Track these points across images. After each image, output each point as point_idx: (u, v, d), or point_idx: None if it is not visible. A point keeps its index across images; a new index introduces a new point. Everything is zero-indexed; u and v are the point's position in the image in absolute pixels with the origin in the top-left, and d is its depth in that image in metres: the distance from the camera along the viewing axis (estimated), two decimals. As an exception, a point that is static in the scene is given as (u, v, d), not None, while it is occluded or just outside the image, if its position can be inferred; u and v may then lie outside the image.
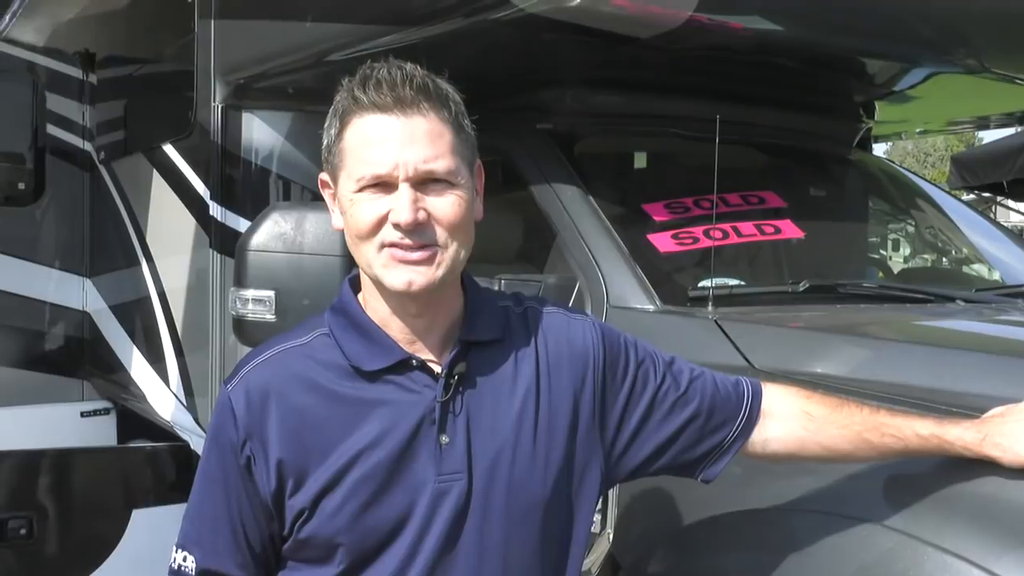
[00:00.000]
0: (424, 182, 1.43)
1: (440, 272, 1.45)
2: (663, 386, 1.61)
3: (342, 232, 1.54)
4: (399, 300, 1.48)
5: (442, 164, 1.44)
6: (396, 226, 1.42)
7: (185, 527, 1.56)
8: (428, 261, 1.44)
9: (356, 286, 1.58)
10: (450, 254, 1.46)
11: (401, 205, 1.41)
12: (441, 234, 1.45)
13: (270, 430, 1.47)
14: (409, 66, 1.45)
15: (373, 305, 1.52)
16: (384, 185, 1.42)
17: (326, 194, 1.56)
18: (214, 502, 1.52)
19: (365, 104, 1.43)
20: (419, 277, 1.44)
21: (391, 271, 1.44)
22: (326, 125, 1.51)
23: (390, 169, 1.41)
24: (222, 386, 1.54)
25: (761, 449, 1.66)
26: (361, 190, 1.43)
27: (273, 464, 1.46)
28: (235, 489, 1.50)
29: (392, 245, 1.43)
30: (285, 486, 1.47)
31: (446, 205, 1.45)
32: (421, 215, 1.42)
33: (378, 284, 1.48)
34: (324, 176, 1.55)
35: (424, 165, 1.42)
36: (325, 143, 1.51)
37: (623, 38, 2.50)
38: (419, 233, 1.43)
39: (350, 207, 1.45)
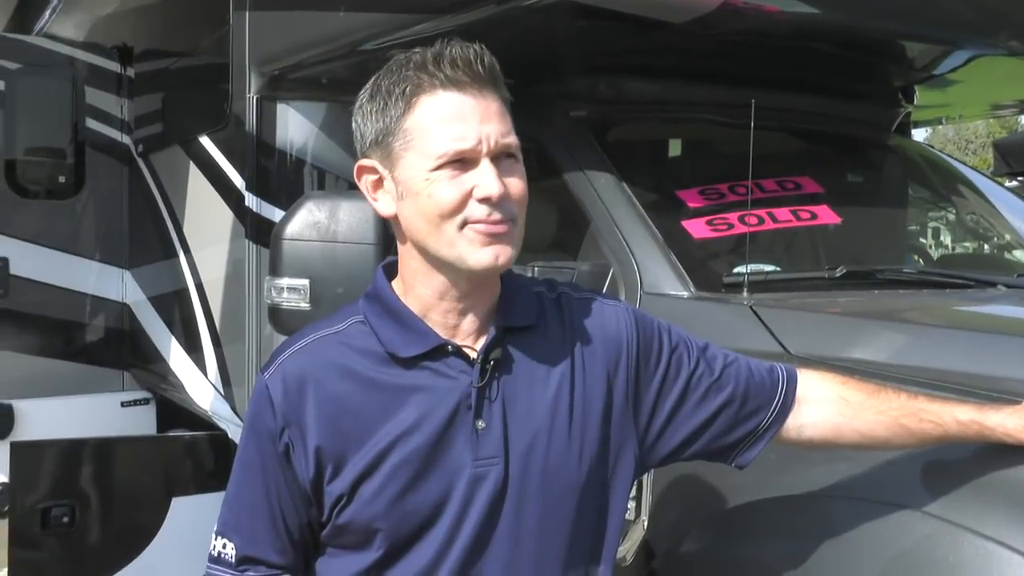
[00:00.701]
0: (497, 158, 1.43)
1: (515, 247, 1.47)
2: (697, 371, 1.60)
3: (376, 220, 1.54)
4: (455, 279, 1.48)
5: (512, 139, 1.46)
6: (485, 200, 1.41)
7: (224, 514, 1.57)
8: (507, 236, 1.45)
9: (390, 273, 1.58)
10: (519, 229, 1.47)
11: (488, 179, 1.41)
12: (515, 209, 1.46)
13: (308, 417, 1.47)
14: (476, 46, 1.45)
15: (418, 292, 1.51)
16: (463, 162, 1.42)
17: (366, 181, 1.53)
18: (253, 489, 1.53)
19: (441, 81, 1.42)
20: (503, 252, 1.44)
21: (478, 249, 1.43)
22: (373, 108, 1.48)
23: (474, 144, 1.41)
24: (259, 375, 1.55)
25: (796, 435, 1.64)
26: (439, 168, 1.42)
27: (311, 451, 1.47)
28: (274, 476, 1.51)
29: (478, 222, 1.42)
30: (324, 472, 1.48)
31: (517, 181, 1.46)
32: (504, 189, 1.43)
33: (449, 265, 1.46)
34: (369, 162, 1.51)
35: (503, 139, 1.44)
36: (380, 125, 1.47)
37: (657, 23, 2.48)
38: (502, 208, 1.43)
39: (426, 187, 1.43)
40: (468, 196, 1.42)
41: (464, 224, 1.43)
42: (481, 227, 1.42)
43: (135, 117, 4.77)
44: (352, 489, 1.46)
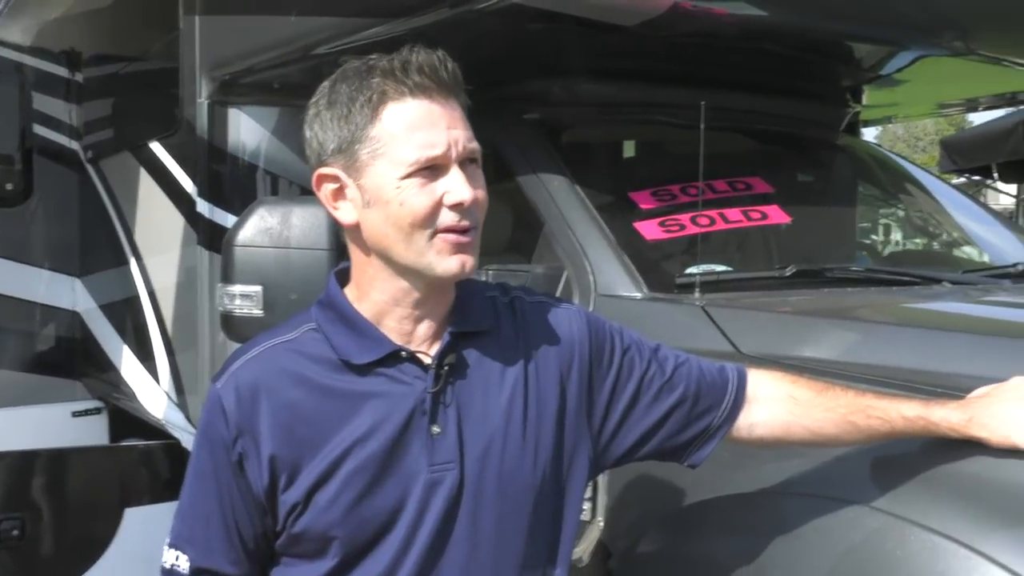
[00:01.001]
0: (463, 164, 1.44)
1: (478, 252, 1.48)
2: (649, 372, 1.62)
3: (329, 225, 1.53)
4: (417, 285, 1.48)
5: (476, 145, 1.47)
6: (456, 206, 1.42)
7: (177, 526, 1.56)
8: (473, 242, 1.47)
9: (342, 280, 1.57)
10: (480, 235, 1.49)
11: (459, 185, 1.42)
12: (479, 215, 1.47)
13: (262, 426, 1.47)
14: (440, 51, 1.46)
15: (374, 298, 1.51)
16: (432, 169, 1.42)
17: (328, 189, 1.50)
18: (206, 500, 1.52)
19: (410, 88, 1.42)
20: (469, 259, 1.46)
21: (446, 258, 1.44)
22: (339, 115, 1.46)
23: (444, 150, 1.42)
24: (211, 384, 1.53)
25: (747, 434, 1.66)
26: (409, 175, 1.42)
27: (266, 460, 1.46)
28: (227, 486, 1.50)
29: (449, 230, 1.43)
30: (278, 481, 1.47)
31: (480, 186, 1.47)
32: (474, 195, 1.44)
33: (415, 273, 1.46)
34: (330, 170, 1.49)
35: (469, 144, 1.45)
36: (344, 134, 1.45)
37: (609, 26, 2.50)
38: (470, 214, 1.44)
39: (397, 195, 1.42)
40: (439, 203, 1.43)
41: (435, 233, 1.43)
42: (451, 235, 1.44)
43: (84, 123, 4.70)
44: (307, 497, 1.45)
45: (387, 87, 1.43)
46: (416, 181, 1.42)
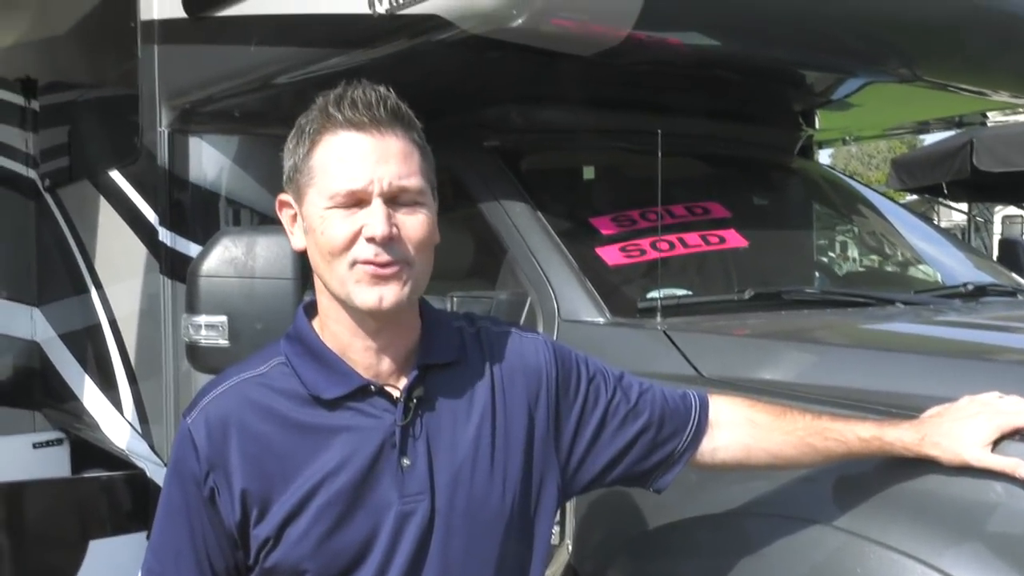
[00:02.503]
0: (395, 200, 1.46)
1: (407, 290, 1.48)
2: (614, 400, 1.66)
3: (294, 255, 1.56)
4: (361, 317, 1.50)
5: (414, 182, 1.48)
6: (371, 240, 1.44)
7: (149, 560, 1.56)
8: (397, 278, 1.47)
9: (310, 312, 1.60)
10: (416, 272, 1.50)
11: (375, 219, 1.44)
12: (410, 252, 1.48)
13: (232, 460, 1.48)
14: (382, 88, 1.49)
15: (333, 329, 1.53)
16: (357, 202, 1.45)
17: (286, 215, 1.58)
18: (178, 534, 1.52)
19: (340, 122, 1.46)
20: (389, 294, 1.46)
21: (363, 289, 1.46)
22: (291, 145, 1.53)
23: (365, 184, 1.44)
24: (182, 419, 1.55)
25: (710, 458, 1.70)
26: (333, 207, 1.46)
27: (237, 494, 1.48)
28: (199, 520, 1.51)
29: (365, 262, 1.45)
30: (250, 515, 1.48)
31: (415, 223, 1.48)
32: (394, 230, 1.45)
33: (344, 303, 1.49)
34: (285, 197, 1.56)
35: (398, 181, 1.46)
36: (291, 162, 1.52)
37: (565, 56, 2.55)
38: (391, 249, 1.46)
39: (320, 224, 1.47)
40: (357, 235, 1.45)
41: (354, 263, 1.46)
42: (369, 268, 1.45)
43: (41, 151, 4.65)
44: (278, 532, 1.47)
45: (324, 120, 1.47)
46: (339, 212, 1.46)
